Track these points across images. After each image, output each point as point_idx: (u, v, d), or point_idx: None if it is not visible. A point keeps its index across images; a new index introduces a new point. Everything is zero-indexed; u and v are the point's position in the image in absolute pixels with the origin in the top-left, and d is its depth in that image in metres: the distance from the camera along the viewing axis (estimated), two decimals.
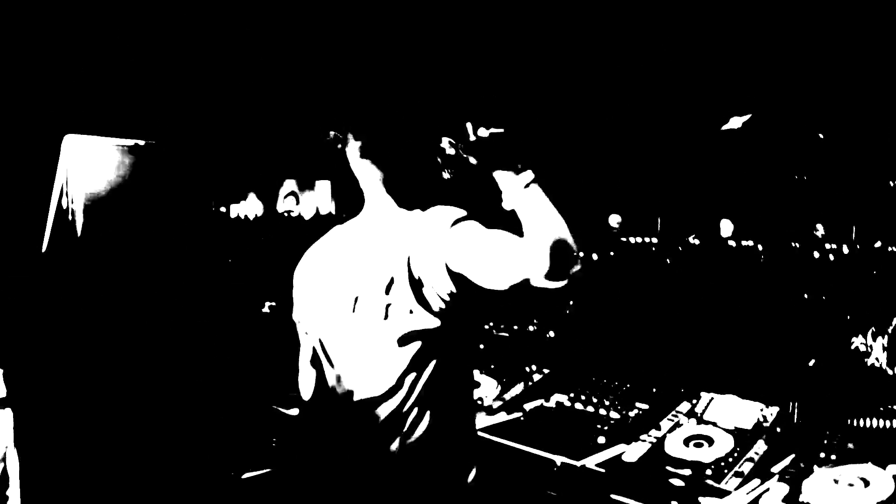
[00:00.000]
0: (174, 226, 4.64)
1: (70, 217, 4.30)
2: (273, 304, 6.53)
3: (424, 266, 2.07)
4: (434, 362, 2.14)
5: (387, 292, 2.11)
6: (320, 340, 2.32)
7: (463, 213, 2.15)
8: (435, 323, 2.11)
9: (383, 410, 2.12)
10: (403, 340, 2.11)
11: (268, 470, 4.96)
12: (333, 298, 2.26)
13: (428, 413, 2.14)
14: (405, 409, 2.12)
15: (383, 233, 2.23)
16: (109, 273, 4.35)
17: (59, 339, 4.05)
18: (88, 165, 4.38)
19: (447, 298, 2.09)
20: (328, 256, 2.36)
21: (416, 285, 2.08)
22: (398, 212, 2.30)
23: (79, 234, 4.24)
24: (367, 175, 2.36)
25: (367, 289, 2.16)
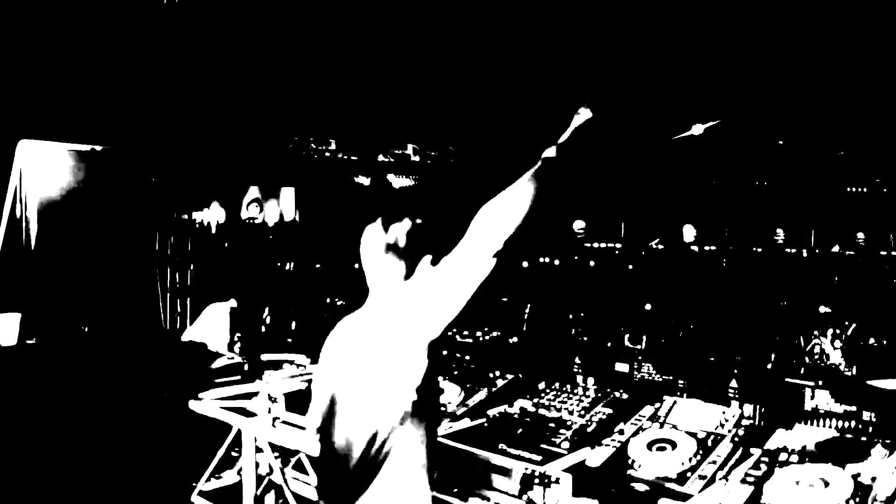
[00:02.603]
0: (130, 231, 4.56)
1: (24, 223, 4.20)
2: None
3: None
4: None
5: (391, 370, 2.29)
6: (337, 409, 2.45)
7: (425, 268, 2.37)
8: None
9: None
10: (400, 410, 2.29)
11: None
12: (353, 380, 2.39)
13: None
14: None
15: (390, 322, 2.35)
16: (62, 279, 4.26)
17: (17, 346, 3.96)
18: (43, 170, 4.28)
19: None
20: (348, 341, 2.47)
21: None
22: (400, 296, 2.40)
23: (33, 239, 4.14)
24: (380, 267, 2.47)
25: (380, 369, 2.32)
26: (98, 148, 4.53)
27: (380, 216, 2.49)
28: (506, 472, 3.26)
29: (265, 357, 5.51)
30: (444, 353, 4.74)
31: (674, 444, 3.28)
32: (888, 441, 3.06)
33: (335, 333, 2.55)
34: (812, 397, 3.43)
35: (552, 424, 3.67)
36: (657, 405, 3.73)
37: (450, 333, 5.14)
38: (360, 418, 2.34)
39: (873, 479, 2.82)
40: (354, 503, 2.34)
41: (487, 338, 4.98)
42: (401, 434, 2.29)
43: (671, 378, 3.90)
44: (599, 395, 3.93)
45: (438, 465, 2.46)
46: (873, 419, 3.23)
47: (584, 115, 2.45)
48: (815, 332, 6.93)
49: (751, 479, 2.95)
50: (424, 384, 2.28)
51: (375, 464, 2.30)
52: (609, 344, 4.44)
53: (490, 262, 2.18)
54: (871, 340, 6.86)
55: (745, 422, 3.46)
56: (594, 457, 3.29)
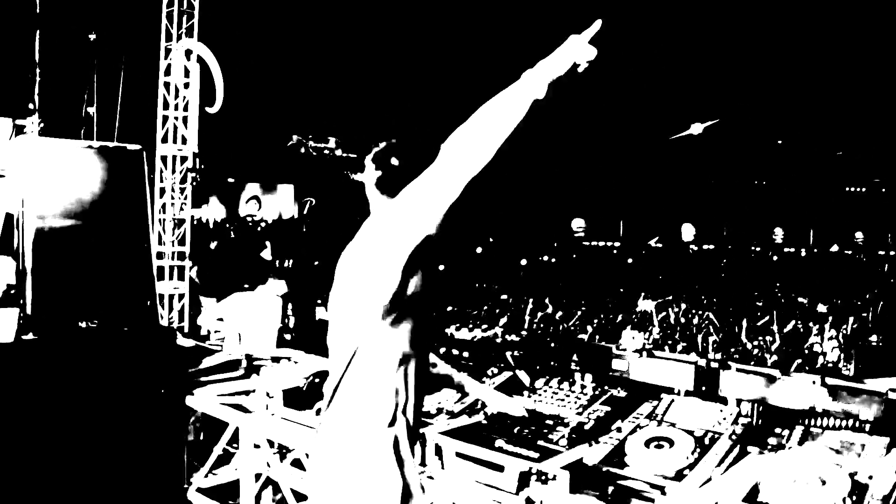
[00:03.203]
0: (129, 228, 4.55)
1: (22, 218, 4.19)
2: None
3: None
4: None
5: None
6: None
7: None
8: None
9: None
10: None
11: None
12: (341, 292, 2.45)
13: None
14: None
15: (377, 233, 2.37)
16: (60, 274, 4.25)
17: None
18: (43, 167, 4.28)
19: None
20: (347, 253, 2.50)
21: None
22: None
23: (30, 235, 4.13)
24: (378, 199, 2.52)
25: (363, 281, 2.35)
26: (96, 144, 4.52)
27: (372, 152, 2.54)
28: (503, 469, 3.26)
29: (263, 353, 5.51)
30: (442, 349, 4.74)
31: (671, 442, 3.28)
32: (885, 439, 3.06)
33: (342, 255, 2.59)
34: (810, 394, 3.43)
35: (550, 422, 3.67)
36: (655, 403, 3.73)
37: (448, 331, 5.14)
38: (337, 334, 2.43)
39: (870, 477, 2.82)
40: (322, 419, 2.45)
41: (486, 334, 4.98)
42: (367, 351, 2.34)
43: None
44: (597, 392, 3.93)
45: (414, 399, 2.45)
46: (871, 417, 3.23)
47: (590, 32, 2.24)
48: (814, 331, 6.96)
49: (748, 478, 2.95)
50: (395, 305, 2.30)
51: (341, 378, 2.39)
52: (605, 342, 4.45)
53: (460, 187, 2.17)
54: (870, 339, 6.89)
55: (742, 420, 3.45)
56: (592, 454, 3.29)
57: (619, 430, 3.51)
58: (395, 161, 2.47)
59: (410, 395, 2.42)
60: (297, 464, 4.41)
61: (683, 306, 8.89)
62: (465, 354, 4.66)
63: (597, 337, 6.17)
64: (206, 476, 4.95)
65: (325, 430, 2.42)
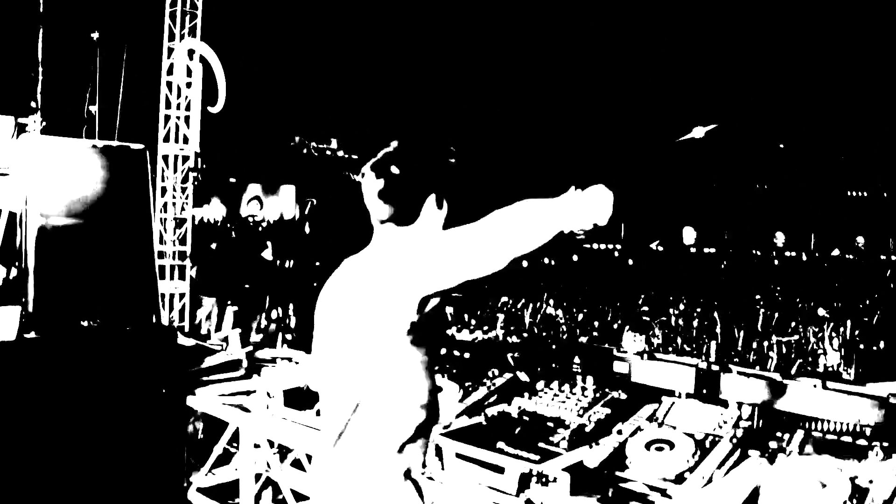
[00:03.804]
0: (131, 227, 4.56)
1: (24, 217, 4.20)
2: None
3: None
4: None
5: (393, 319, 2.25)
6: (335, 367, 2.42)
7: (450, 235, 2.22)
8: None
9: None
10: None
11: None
12: (350, 329, 2.35)
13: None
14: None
15: (393, 266, 2.30)
16: (62, 273, 4.25)
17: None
18: (46, 165, 4.28)
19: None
20: (345, 289, 2.42)
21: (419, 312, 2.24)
22: (405, 245, 2.36)
23: (33, 233, 4.14)
24: (380, 210, 2.44)
25: (379, 319, 2.27)
26: (99, 143, 4.52)
27: (369, 163, 2.47)
28: (503, 470, 3.26)
29: (264, 354, 5.52)
30: (443, 350, 4.74)
31: (672, 445, 3.28)
32: (886, 444, 3.06)
33: (337, 274, 2.50)
34: (810, 398, 3.43)
35: (550, 424, 3.67)
36: (656, 406, 3.73)
37: (449, 332, 5.14)
38: (342, 364, 2.34)
39: (871, 481, 2.82)
40: (330, 453, 2.35)
41: (487, 336, 4.99)
42: (376, 387, 2.28)
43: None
44: (598, 394, 3.93)
45: (423, 436, 2.37)
46: (871, 422, 3.24)
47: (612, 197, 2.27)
48: (815, 335, 6.96)
49: (748, 481, 2.95)
50: (409, 337, 2.25)
51: (347, 412, 2.31)
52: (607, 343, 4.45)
53: (503, 264, 2.14)
54: (871, 344, 6.89)
55: (743, 423, 3.45)
56: (592, 456, 3.29)
57: (619, 432, 3.51)
58: (395, 170, 2.39)
59: (423, 413, 2.36)
60: (297, 464, 4.41)
61: (683, 308, 8.90)
62: (466, 356, 4.67)
63: (598, 339, 6.17)
64: (206, 476, 4.95)
65: (337, 458, 2.35)
